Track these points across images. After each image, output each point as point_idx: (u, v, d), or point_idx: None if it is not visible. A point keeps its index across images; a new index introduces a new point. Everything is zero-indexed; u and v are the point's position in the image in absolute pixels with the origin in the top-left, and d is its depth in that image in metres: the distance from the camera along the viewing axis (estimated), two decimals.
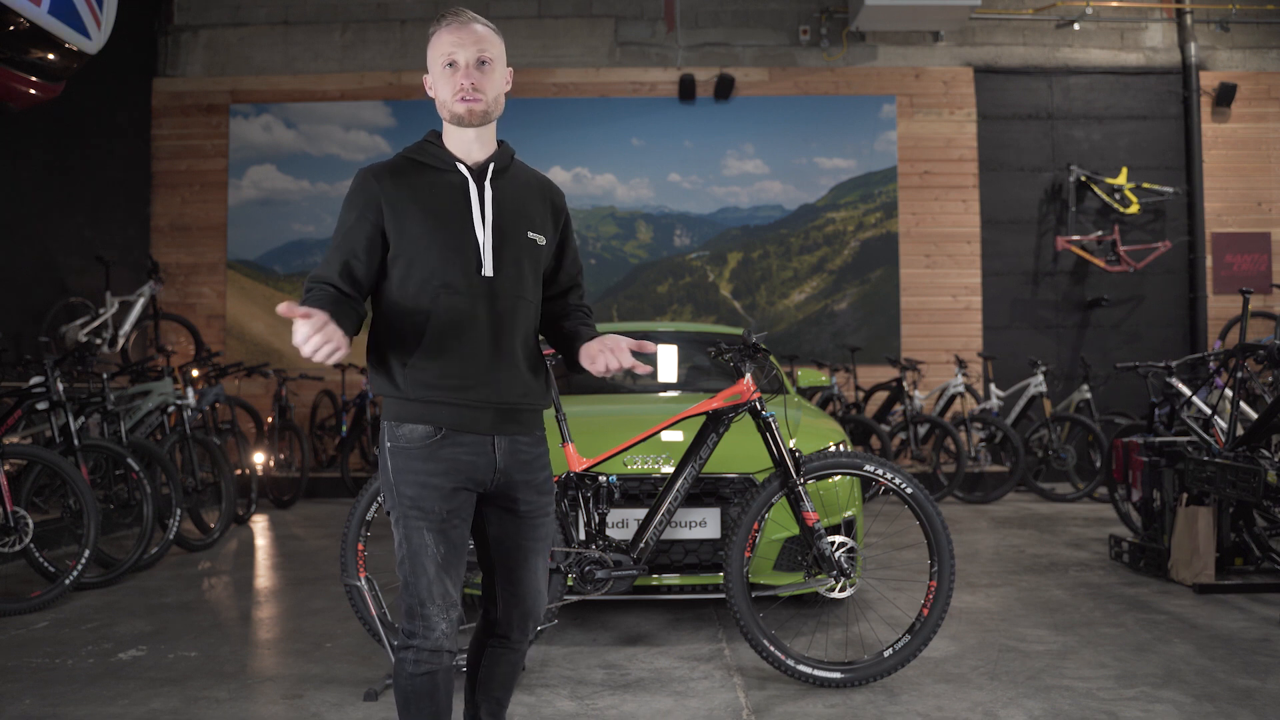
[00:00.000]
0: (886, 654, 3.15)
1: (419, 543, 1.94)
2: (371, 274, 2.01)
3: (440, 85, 2.02)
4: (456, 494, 1.97)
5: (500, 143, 2.12)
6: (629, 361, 2.03)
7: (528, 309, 2.07)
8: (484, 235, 2.00)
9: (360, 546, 3.35)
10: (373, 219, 1.99)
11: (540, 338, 2.22)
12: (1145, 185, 9.22)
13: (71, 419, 4.84)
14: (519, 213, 2.07)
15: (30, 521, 4.41)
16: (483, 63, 1.99)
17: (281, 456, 8.09)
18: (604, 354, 2.04)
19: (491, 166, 2.06)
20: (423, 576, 1.94)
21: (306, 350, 1.74)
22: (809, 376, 5.35)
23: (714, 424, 3.23)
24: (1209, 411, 5.09)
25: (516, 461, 2.05)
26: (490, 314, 1.99)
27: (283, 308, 1.75)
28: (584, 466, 3.30)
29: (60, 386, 4.95)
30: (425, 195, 2.00)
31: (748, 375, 3.22)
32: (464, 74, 1.98)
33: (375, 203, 1.99)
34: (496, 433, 2.01)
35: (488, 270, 2.00)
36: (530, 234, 2.07)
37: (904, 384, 8.10)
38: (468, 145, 2.05)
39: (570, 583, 3.26)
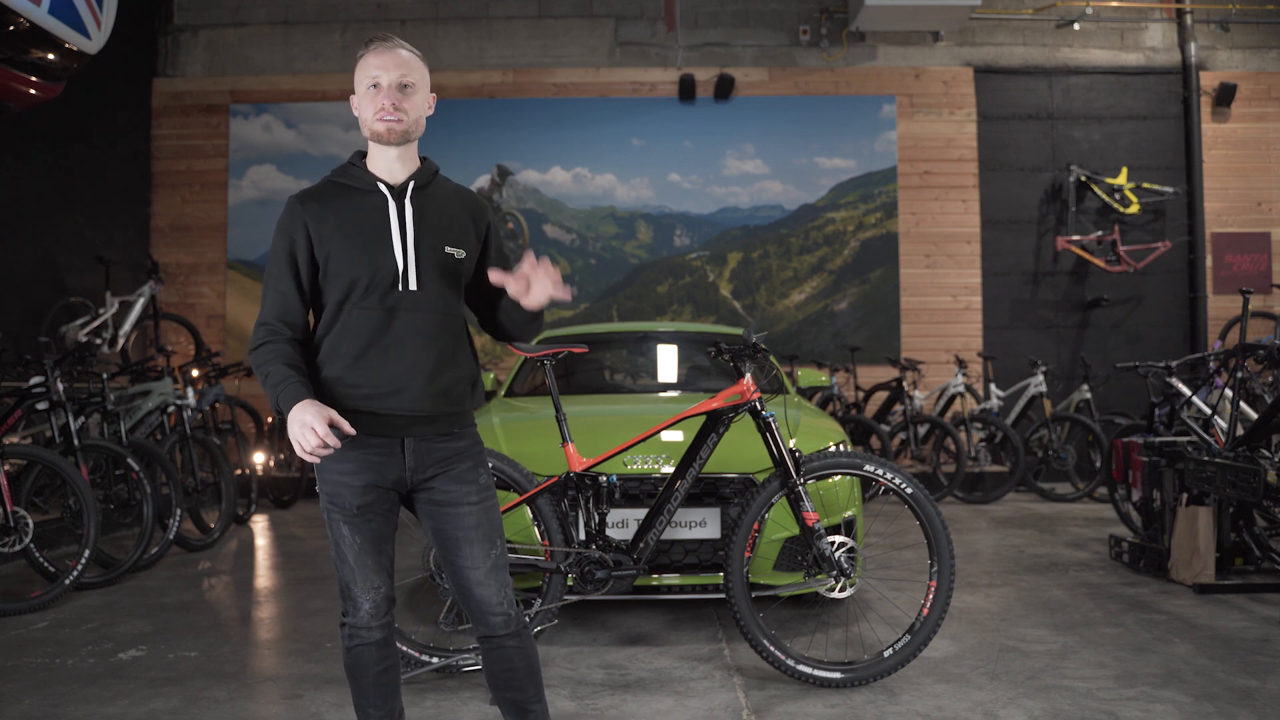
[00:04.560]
0: (886, 654, 3.15)
1: (338, 533, 2.14)
2: (307, 298, 2.14)
3: (364, 105, 2.12)
4: (367, 491, 2.12)
5: (424, 160, 2.22)
6: (558, 292, 2.11)
7: (449, 320, 2.17)
8: (402, 252, 2.11)
9: None
10: (301, 244, 2.11)
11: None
12: (1145, 185, 9.22)
13: (71, 419, 4.84)
14: (438, 228, 2.17)
15: (30, 521, 4.41)
16: (405, 86, 2.11)
17: (281, 456, 8.09)
18: (538, 281, 2.10)
19: (412, 185, 2.16)
20: (344, 563, 2.15)
21: (305, 448, 1.96)
22: (809, 376, 5.35)
23: (714, 424, 3.23)
24: (1209, 411, 5.09)
25: (430, 460, 2.16)
26: (409, 327, 2.11)
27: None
28: (584, 466, 3.30)
29: (60, 386, 4.94)
30: (348, 216, 2.12)
31: (748, 375, 3.22)
32: (385, 94, 2.09)
33: (303, 229, 2.11)
34: (405, 434, 2.13)
35: (412, 285, 2.11)
36: (449, 249, 2.16)
37: (904, 384, 8.10)
38: (390, 164, 2.16)
39: (570, 583, 3.26)
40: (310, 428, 1.94)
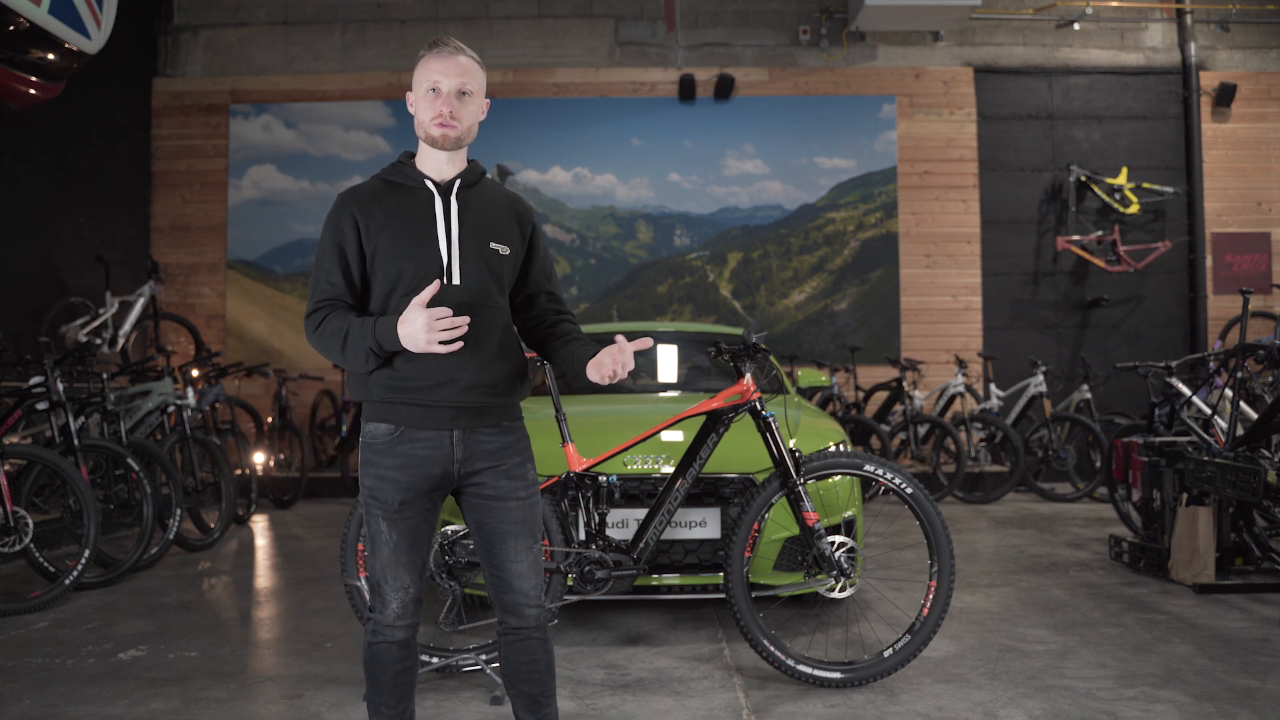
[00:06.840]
0: (886, 654, 3.15)
1: (376, 529, 2.16)
2: (357, 289, 2.17)
3: (421, 107, 2.19)
4: (412, 488, 2.14)
5: (471, 162, 2.27)
6: (632, 364, 2.15)
7: (494, 314, 2.20)
8: (448, 246, 2.15)
9: (360, 547, 3.35)
10: (350, 237, 2.15)
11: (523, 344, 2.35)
12: (1145, 185, 9.22)
13: (71, 419, 4.84)
14: (483, 224, 2.21)
15: (30, 521, 4.41)
16: (463, 93, 2.16)
17: (281, 456, 8.09)
18: (612, 364, 2.14)
19: (458, 183, 2.21)
20: (379, 559, 2.17)
21: (435, 337, 1.98)
22: (809, 376, 5.35)
23: (714, 424, 3.23)
24: (1209, 411, 5.09)
25: (479, 452, 2.18)
26: None
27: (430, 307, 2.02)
28: (584, 466, 3.30)
29: (60, 386, 4.95)
30: (396, 212, 2.16)
31: (748, 375, 3.22)
32: (444, 101, 2.14)
33: (351, 221, 2.15)
34: (454, 427, 2.15)
35: (455, 279, 2.15)
36: (494, 244, 2.20)
37: (904, 384, 8.10)
38: (439, 165, 2.21)
39: (570, 583, 3.27)
40: (429, 324, 1.97)
